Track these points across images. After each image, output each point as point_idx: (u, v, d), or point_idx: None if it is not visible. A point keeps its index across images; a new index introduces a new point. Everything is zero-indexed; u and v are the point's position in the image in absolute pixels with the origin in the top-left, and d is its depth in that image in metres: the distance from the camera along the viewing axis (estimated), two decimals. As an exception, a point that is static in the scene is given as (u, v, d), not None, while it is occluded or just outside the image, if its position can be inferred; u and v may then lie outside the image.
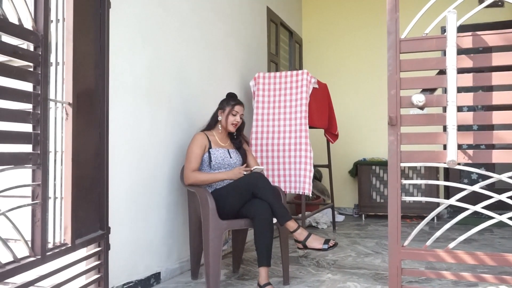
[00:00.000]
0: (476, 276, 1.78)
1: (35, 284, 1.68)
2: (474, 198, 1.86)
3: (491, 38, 1.71)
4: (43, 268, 1.73)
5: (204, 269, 2.68)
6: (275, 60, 5.19)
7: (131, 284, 2.61)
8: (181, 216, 3.15)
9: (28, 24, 1.67)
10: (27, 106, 1.69)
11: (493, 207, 1.74)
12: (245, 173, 2.82)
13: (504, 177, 1.72)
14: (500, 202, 1.77)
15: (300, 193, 3.74)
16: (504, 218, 1.74)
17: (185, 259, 3.18)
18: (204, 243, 2.66)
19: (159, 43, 2.96)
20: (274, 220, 2.69)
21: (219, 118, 3.02)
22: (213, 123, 3.05)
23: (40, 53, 1.69)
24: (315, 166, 4.37)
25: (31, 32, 1.66)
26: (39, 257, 1.68)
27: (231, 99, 3.03)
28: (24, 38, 1.63)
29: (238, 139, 3.11)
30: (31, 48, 1.70)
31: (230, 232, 3.34)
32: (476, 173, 5.36)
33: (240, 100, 3.08)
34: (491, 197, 1.75)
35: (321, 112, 4.18)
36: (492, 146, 4.70)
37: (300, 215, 4.05)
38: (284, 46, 5.62)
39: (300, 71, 3.89)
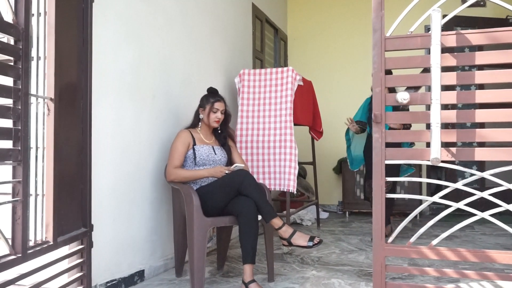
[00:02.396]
0: (458, 272, 1.80)
1: (16, 283, 1.65)
2: (455, 195, 1.88)
3: (474, 37, 1.72)
4: (24, 267, 1.70)
5: (188, 266, 2.66)
6: (260, 56, 5.18)
7: (114, 282, 2.58)
8: (165, 213, 3.13)
9: (8, 17, 1.64)
10: (8, 101, 1.65)
11: (476, 204, 1.77)
12: (227, 172, 2.81)
13: (486, 174, 1.75)
14: (481, 199, 1.79)
15: (285, 190, 3.75)
16: (486, 215, 1.76)
17: (169, 257, 3.16)
18: (189, 240, 2.64)
19: (144, 40, 2.93)
20: (259, 217, 2.69)
21: (201, 116, 3.01)
22: (196, 121, 3.05)
23: (20, 47, 1.66)
24: (299, 163, 4.38)
25: (11, 25, 1.63)
26: (20, 255, 1.65)
27: (210, 96, 3.02)
28: (4, 31, 1.59)
29: (222, 134, 3.11)
30: (12, 42, 1.66)
31: (215, 229, 3.33)
32: (458, 171, 5.44)
33: (221, 95, 3.07)
34: (473, 194, 1.77)
35: (306, 109, 4.19)
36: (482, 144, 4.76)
37: (284, 212, 4.06)
38: (269, 43, 5.61)
39: (285, 68, 3.89)
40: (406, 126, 3.76)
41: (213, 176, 2.82)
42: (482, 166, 5.07)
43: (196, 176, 2.82)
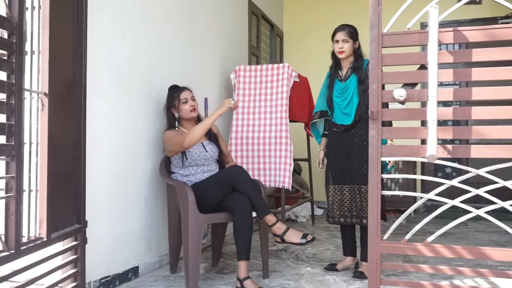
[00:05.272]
0: (453, 269, 1.80)
1: (9, 279, 1.63)
2: (449, 191, 1.89)
3: (472, 33, 1.72)
4: (17, 263, 1.68)
5: (183, 263, 2.66)
6: (256, 53, 5.16)
7: (108, 278, 2.57)
8: (160, 209, 3.12)
9: (1, 10, 1.61)
10: (1, 96, 1.63)
11: (469, 201, 1.77)
12: (232, 102, 2.82)
13: (482, 171, 1.75)
14: (476, 196, 1.79)
15: (280, 186, 3.75)
16: (481, 212, 1.76)
17: (164, 253, 3.15)
18: (184, 237, 2.63)
19: (140, 34, 2.91)
20: (254, 214, 2.68)
21: (176, 115, 2.94)
22: (173, 123, 2.95)
23: (14, 41, 1.64)
24: (294, 160, 4.37)
25: (5, 19, 1.60)
26: (13, 251, 1.63)
27: (172, 93, 2.96)
28: (-2, 25, 1.57)
29: None
30: (5, 36, 1.64)
31: (210, 225, 3.32)
32: (451, 167, 5.46)
33: (185, 86, 3.03)
34: (467, 191, 1.77)
35: (302, 105, 4.19)
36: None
37: (279, 208, 4.06)
38: (265, 39, 5.59)
39: (281, 64, 3.88)
40: None
41: (223, 112, 2.82)
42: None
43: (210, 123, 2.80)
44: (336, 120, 2.99)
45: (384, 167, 2.86)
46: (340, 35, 2.93)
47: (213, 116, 2.79)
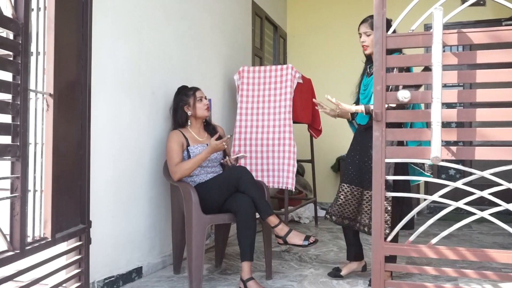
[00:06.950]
0: (457, 271, 1.80)
1: (14, 279, 1.64)
2: (453, 193, 1.88)
3: (476, 35, 1.72)
4: (22, 263, 1.69)
5: (186, 264, 2.66)
6: (260, 54, 5.17)
7: (112, 278, 2.57)
8: (163, 210, 3.12)
9: (7, 11, 1.62)
10: (6, 97, 1.64)
11: (472, 202, 1.76)
12: (223, 144, 2.75)
13: (486, 173, 1.74)
14: (479, 198, 1.79)
15: (283, 188, 3.75)
16: (485, 214, 1.76)
17: (167, 254, 3.15)
18: (187, 238, 2.64)
19: (143, 35, 2.92)
20: (257, 215, 2.68)
21: (189, 113, 2.95)
22: (183, 122, 2.97)
23: (20, 42, 1.65)
24: (298, 161, 4.38)
25: (11, 20, 1.61)
26: (18, 251, 1.64)
27: (187, 91, 2.98)
28: (4, 26, 1.58)
29: (210, 125, 3.10)
30: (11, 37, 1.65)
31: (213, 226, 3.33)
32: (454, 169, 5.44)
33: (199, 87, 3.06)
34: (470, 193, 1.77)
35: (305, 107, 4.19)
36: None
37: (283, 209, 4.06)
38: (268, 40, 5.59)
39: (284, 66, 3.88)
40: None
41: (213, 152, 2.80)
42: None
43: (198, 161, 2.78)
44: (356, 118, 2.85)
45: (416, 174, 2.68)
46: (362, 28, 2.70)
47: (203, 156, 2.78)
